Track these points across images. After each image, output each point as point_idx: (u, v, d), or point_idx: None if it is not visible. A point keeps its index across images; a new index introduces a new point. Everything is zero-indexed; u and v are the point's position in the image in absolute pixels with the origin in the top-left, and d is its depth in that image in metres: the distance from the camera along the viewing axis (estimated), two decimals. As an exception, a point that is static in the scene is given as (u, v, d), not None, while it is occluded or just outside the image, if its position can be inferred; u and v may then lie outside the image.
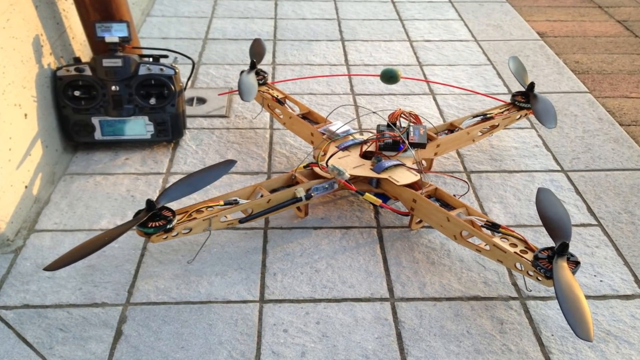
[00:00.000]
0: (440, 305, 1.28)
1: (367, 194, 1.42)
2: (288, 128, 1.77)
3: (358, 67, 2.34)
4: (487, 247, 1.27)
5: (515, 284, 1.34)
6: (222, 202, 1.31)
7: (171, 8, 2.82)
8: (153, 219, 1.21)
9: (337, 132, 1.59)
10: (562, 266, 1.13)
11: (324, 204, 1.57)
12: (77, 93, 1.65)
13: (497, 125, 1.72)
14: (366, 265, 1.38)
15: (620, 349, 1.19)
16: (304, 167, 1.50)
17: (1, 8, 1.41)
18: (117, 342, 1.17)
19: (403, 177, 1.43)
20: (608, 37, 2.75)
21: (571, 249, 1.18)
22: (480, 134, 1.71)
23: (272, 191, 1.42)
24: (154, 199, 1.22)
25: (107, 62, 1.64)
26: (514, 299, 1.30)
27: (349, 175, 1.41)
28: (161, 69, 1.67)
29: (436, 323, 1.23)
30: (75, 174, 1.67)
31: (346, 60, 2.40)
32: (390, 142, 1.51)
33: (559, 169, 1.75)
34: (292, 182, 1.48)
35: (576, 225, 1.52)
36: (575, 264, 1.15)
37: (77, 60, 1.69)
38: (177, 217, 1.24)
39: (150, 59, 1.71)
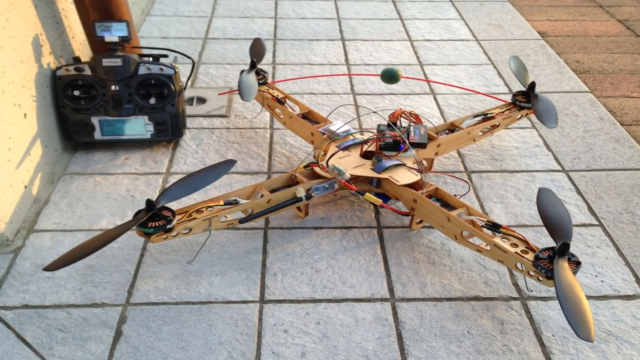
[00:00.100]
0: (440, 306, 1.27)
1: (367, 194, 1.42)
2: (288, 128, 1.77)
3: (358, 67, 2.34)
4: (488, 247, 1.27)
5: (516, 284, 1.33)
6: (222, 202, 1.31)
7: (171, 7, 2.82)
8: (153, 219, 1.21)
9: (338, 131, 1.58)
10: (563, 266, 1.12)
11: (324, 204, 1.57)
12: (76, 93, 1.65)
13: (498, 125, 1.72)
14: (366, 265, 1.37)
15: (621, 350, 1.18)
16: (304, 167, 1.49)
17: (1, 7, 1.40)
18: (116, 342, 1.17)
19: (403, 177, 1.43)
20: (609, 36, 2.75)
21: (572, 249, 1.18)
22: (481, 133, 1.71)
23: (272, 191, 1.41)
24: (154, 199, 1.22)
25: (106, 62, 1.63)
26: (514, 299, 1.30)
27: (349, 175, 1.41)
28: (161, 69, 1.67)
29: (437, 323, 1.23)
30: (75, 173, 1.67)
31: (346, 59, 2.39)
32: (390, 142, 1.51)
33: (560, 168, 1.75)
34: (292, 182, 1.47)
35: (577, 226, 1.52)
36: (576, 264, 1.15)
37: (77, 59, 1.69)
38: (177, 217, 1.23)
39: (150, 59, 1.70)
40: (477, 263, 1.38)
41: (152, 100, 1.68)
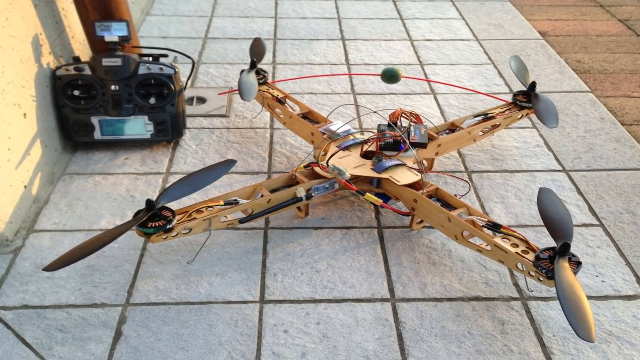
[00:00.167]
0: (441, 306, 1.27)
1: (367, 193, 1.42)
2: (288, 128, 1.76)
3: (359, 67, 2.33)
4: (489, 248, 1.27)
5: (516, 285, 1.33)
6: (222, 202, 1.31)
7: (171, 7, 2.82)
8: (153, 219, 1.21)
9: (338, 131, 1.58)
10: (564, 266, 1.12)
11: (324, 204, 1.57)
12: (76, 92, 1.64)
13: (499, 125, 1.71)
14: (367, 265, 1.37)
15: (622, 350, 1.18)
16: (305, 166, 1.49)
17: (0, 7, 1.40)
18: (116, 342, 1.17)
19: (404, 177, 1.43)
20: (610, 36, 2.75)
21: (573, 249, 1.18)
22: (481, 133, 1.71)
23: (273, 191, 1.41)
24: (154, 198, 1.22)
25: (106, 62, 1.63)
26: (515, 299, 1.29)
27: (349, 175, 1.41)
28: (161, 69, 1.67)
29: (437, 323, 1.23)
30: (75, 173, 1.66)
31: (347, 59, 2.39)
32: (391, 141, 1.51)
33: (561, 168, 1.74)
34: (292, 182, 1.47)
35: (578, 226, 1.51)
36: (576, 264, 1.15)
37: (77, 59, 1.69)
38: (177, 217, 1.23)
39: (150, 58, 1.70)
40: (477, 263, 1.38)
41: (152, 100, 1.68)
